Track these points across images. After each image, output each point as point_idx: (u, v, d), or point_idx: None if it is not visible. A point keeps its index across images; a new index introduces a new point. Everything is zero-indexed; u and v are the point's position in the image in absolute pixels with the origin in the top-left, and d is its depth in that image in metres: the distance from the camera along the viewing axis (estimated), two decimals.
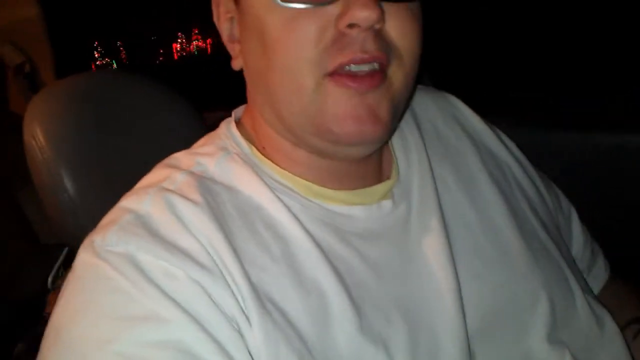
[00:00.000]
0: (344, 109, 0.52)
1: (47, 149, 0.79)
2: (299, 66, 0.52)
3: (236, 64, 0.61)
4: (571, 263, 0.72)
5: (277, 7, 0.51)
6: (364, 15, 0.49)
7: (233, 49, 0.61)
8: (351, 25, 0.50)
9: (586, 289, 0.71)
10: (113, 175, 0.82)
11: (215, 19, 0.61)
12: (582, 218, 0.86)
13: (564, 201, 0.85)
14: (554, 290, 0.64)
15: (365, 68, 0.52)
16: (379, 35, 0.52)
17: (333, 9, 0.51)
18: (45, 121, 0.81)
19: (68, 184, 0.79)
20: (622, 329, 0.70)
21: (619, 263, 0.87)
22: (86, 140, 0.84)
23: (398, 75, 0.55)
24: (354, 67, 0.52)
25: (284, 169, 0.60)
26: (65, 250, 1.08)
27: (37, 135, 0.80)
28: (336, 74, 0.52)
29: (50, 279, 1.11)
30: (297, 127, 0.56)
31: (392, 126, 0.57)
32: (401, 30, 0.54)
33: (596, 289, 0.82)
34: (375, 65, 0.52)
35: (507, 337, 0.60)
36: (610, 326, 0.67)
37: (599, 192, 1.16)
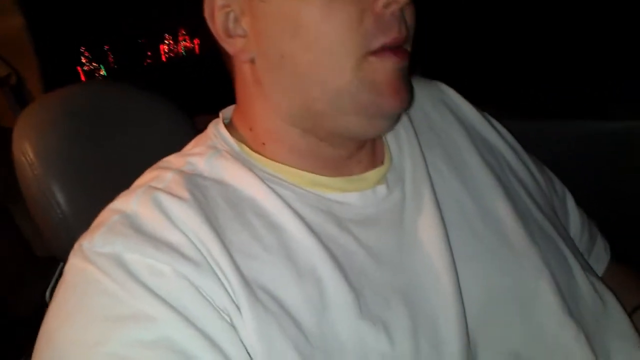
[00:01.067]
0: (388, 80, 0.56)
1: (37, 165, 0.78)
2: (341, 48, 0.53)
3: (243, 57, 0.60)
4: (569, 242, 0.72)
5: None
6: None
7: (233, 43, 0.59)
8: (387, 5, 0.53)
9: (586, 267, 0.71)
10: (106, 189, 0.80)
11: (206, 13, 0.59)
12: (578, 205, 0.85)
13: (558, 184, 0.85)
14: (554, 268, 0.64)
15: (398, 44, 0.55)
16: (403, 16, 0.55)
17: None
18: (34, 136, 0.80)
19: (60, 199, 0.78)
20: (629, 314, 0.70)
21: (616, 249, 0.87)
22: (77, 154, 0.83)
23: (408, 52, 0.58)
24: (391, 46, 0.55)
25: (279, 162, 0.61)
26: (62, 264, 1.07)
27: (26, 151, 0.79)
28: (378, 51, 0.54)
29: (47, 293, 1.11)
30: (331, 108, 0.57)
31: None
32: (411, 12, 0.57)
33: (599, 271, 0.82)
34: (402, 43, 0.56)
35: (512, 318, 0.60)
36: (614, 305, 0.68)
37: (594, 179, 1.16)
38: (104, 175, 0.83)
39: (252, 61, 0.59)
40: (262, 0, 0.55)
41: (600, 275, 0.82)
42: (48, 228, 0.80)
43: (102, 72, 3.05)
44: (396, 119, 0.62)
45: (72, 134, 0.83)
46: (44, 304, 1.12)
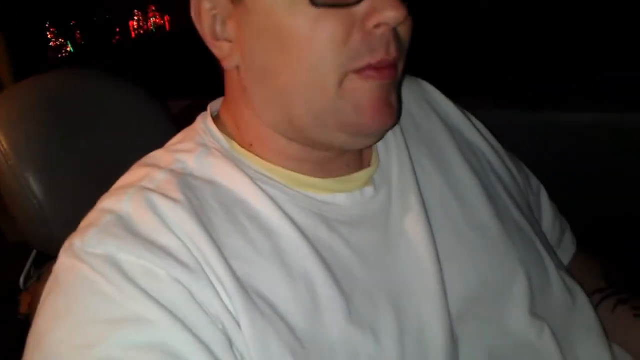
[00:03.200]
0: (370, 101, 0.54)
1: (12, 155, 0.77)
2: (325, 65, 0.52)
3: (229, 64, 0.58)
4: (544, 241, 0.74)
5: (301, 7, 0.51)
6: (393, 14, 0.51)
7: (220, 47, 0.58)
8: (378, 25, 0.52)
9: (559, 264, 0.73)
10: (82, 179, 0.80)
11: (193, 15, 0.58)
12: (550, 195, 0.88)
13: (533, 180, 0.87)
14: (530, 268, 0.66)
15: (384, 65, 0.54)
16: (396, 35, 0.54)
17: (359, 8, 0.51)
18: (7, 126, 0.79)
19: (36, 190, 0.77)
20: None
21: (585, 237, 0.90)
22: (51, 143, 0.81)
23: (401, 68, 0.57)
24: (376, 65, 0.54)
25: (268, 161, 0.60)
26: (35, 252, 1.06)
27: None
28: (361, 70, 0.53)
29: (22, 279, 1.10)
30: (314, 124, 0.56)
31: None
32: (407, 28, 0.56)
33: (565, 262, 0.85)
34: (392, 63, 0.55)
35: (487, 316, 0.62)
36: (582, 298, 0.70)
37: (563, 169, 1.19)
38: (79, 164, 0.82)
39: (238, 68, 0.58)
40: (248, 11, 0.54)
41: (566, 264, 0.85)
42: (25, 218, 0.79)
43: (69, 49, 2.97)
44: (382, 135, 0.61)
45: (45, 123, 0.82)
46: (17, 290, 1.11)
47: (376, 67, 0.53)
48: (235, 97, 0.62)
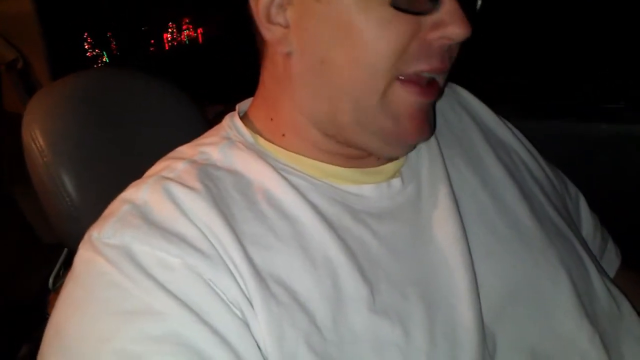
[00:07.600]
0: (409, 113, 0.55)
1: (48, 152, 0.78)
2: (381, 67, 0.52)
3: (280, 49, 0.57)
4: (584, 243, 0.72)
5: (375, 6, 0.51)
6: (460, 32, 0.51)
7: (271, 30, 0.56)
8: (439, 39, 0.52)
9: (601, 270, 0.71)
10: (115, 177, 0.80)
11: None
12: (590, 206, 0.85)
13: (571, 187, 0.85)
14: (571, 269, 0.64)
15: (430, 75, 0.55)
16: (450, 48, 0.55)
17: (427, 18, 0.52)
18: (45, 123, 0.79)
19: (70, 187, 0.77)
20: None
21: (629, 250, 0.87)
22: (87, 141, 0.82)
23: (442, 81, 0.58)
24: (425, 74, 0.54)
25: (295, 152, 0.60)
26: (66, 250, 1.07)
27: (36, 138, 0.78)
28: (406, 78, 0.53)
29: (51, 280, 1.10)
30: (355, 124, 0.56)
31: None
32: (459, 44, 0.56)
33: (611, 274, 0.82)
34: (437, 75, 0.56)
35: (529, 315, 0.60)
36: (627, 307, 0.68)
37: (602, 181, 1.16)
38: (114, 163, 0.83)
39: (289, 54, 0.57)
40: (319, 1, 0.53)
41: (612, 277, 0.82)
42: (57, 216, 0.79)
43: (105, 59, 3.03)
44: (414, 147, 0.63)
45: (82, 120, 0.83)
46: (46, 290, 1.12)
47: (418, 82, 0.54)
48: (277, 85, 0.61)
